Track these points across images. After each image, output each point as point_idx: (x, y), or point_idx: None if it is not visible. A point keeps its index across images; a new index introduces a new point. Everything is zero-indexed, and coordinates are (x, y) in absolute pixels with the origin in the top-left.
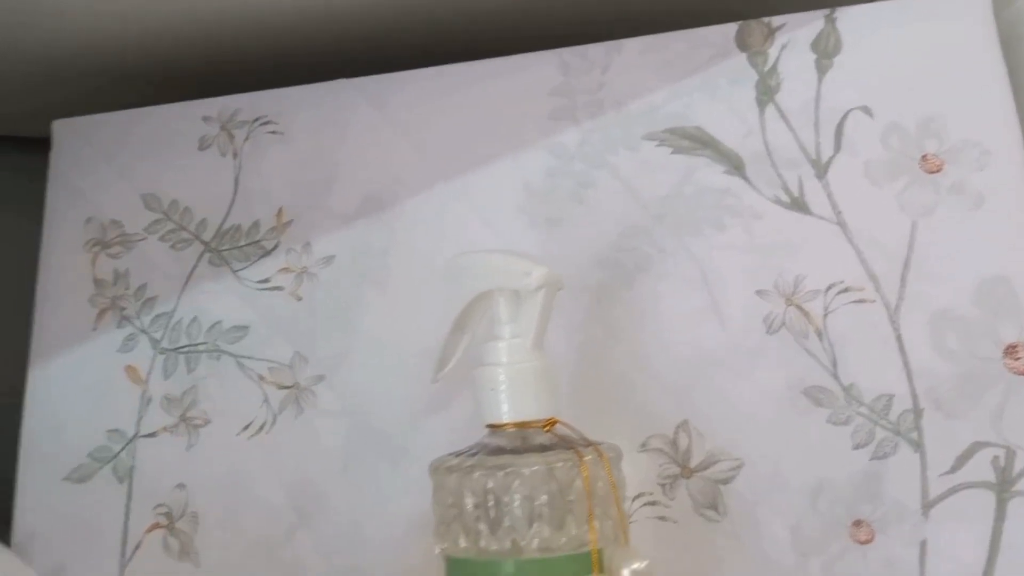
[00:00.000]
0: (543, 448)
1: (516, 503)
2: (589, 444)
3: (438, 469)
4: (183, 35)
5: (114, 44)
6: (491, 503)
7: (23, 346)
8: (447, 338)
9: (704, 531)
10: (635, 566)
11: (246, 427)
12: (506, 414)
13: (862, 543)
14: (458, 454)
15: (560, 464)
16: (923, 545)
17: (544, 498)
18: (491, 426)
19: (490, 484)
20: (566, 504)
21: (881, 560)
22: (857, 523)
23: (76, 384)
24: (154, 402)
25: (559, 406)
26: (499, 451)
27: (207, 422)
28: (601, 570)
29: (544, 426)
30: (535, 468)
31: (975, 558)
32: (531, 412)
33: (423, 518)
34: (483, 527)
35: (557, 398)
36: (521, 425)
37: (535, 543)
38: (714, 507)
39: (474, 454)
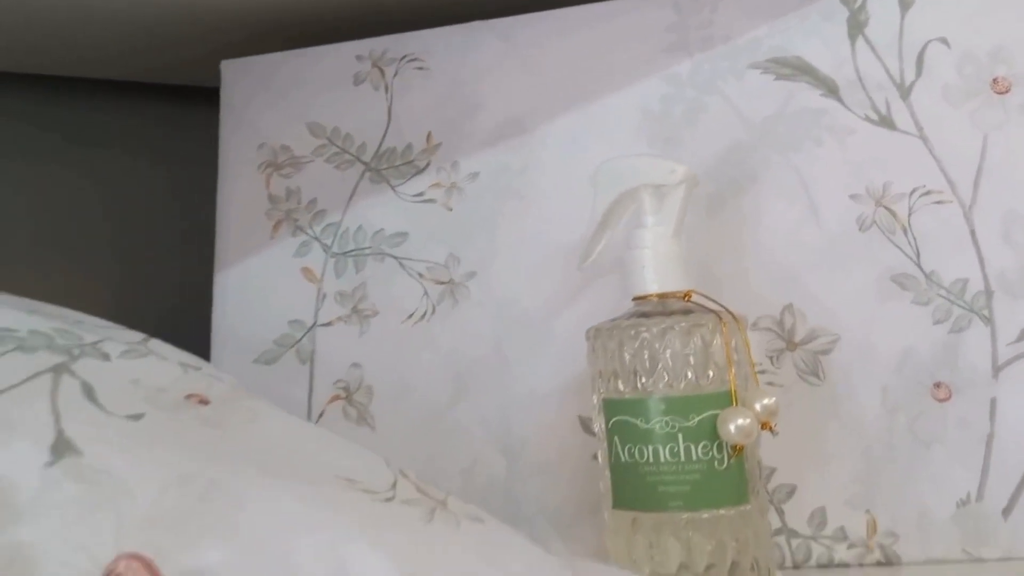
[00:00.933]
0: (686, 311)
1: (668, 353)
2: (723, 309)
3: (599, 331)
4: None
5: None
6: (647, 354)
7: (207, 255)
8: (593, 233)
9: (807, 394)
10: (765, 401)
11: (409, 316)
12: (651, 285)
13: (941, 401)
14: (612, 320)
15: (704, 322)
16: (993, 402)
17: (691, 348)
18: (637, 298)
19: (646, 336)
20: (708, 354)
21: (957, 415)
22: (937, 385)
23: (259, 284)
24: (328, 297)
25: (693, 284)
26: (647, 315)
27: (376, 313)
28: (738, 403)
29: (684, 296)
30: (683, 324)
31: None
32: (672, 284)
33: (563, 385)
34: (640, 373)
35: (693, 276)
36: (663, 296)
37: (682, 384)
38: (815, 374)
39: (628, 318)
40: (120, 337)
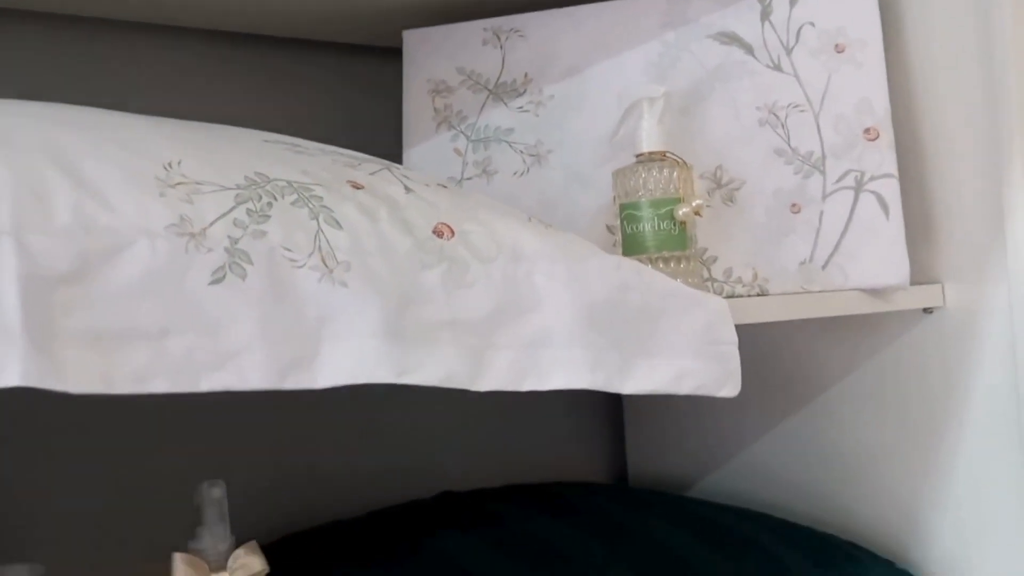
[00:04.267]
0: (662, 159)
1: (651, 178)
2: (682, 160)
3: (618, 171)
4: None
5: None
6: (641, 179)
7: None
8: (618, 124)
9: (726, 211)
10: (697, 201)
11: (514, 173)
12: (644, 146)
13: (795, 213)
14: (624, 166)
15: (672, 164)
16: (821, 213)
17: (664, 175)
18: (638, 154)
19: (641, 170)
20: (672, 179)
21: (803, 219)
22: (793, 204)
23: (429, 157)
24: (468, 165)
25: (666, 148)
26: (642, 161)
27: (496, 172)
28: (683, 200)
29: (662, 154)
30: (659, 163)
31: None
32: (655, 147)
33: (600, 207)
34: (638, 188)
35: (667, 145)
36: (651, 152)
37: (658, 194)
38: (731, 200)
39: (633, 164)
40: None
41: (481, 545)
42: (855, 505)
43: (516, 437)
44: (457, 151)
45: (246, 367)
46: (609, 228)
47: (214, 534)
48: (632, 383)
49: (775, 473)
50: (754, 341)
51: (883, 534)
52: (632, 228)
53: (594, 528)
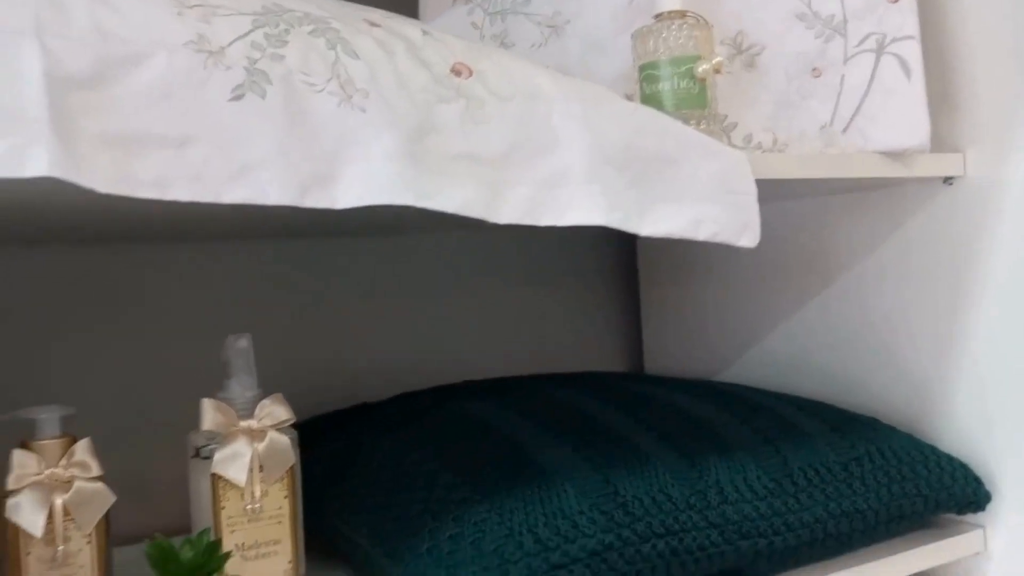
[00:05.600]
0: (682, 16)
1: (672, 35)
2: (702, 17)
3: (638, 31)
4: None
5: None
6: (662, 37)
7: None
8: None
9: (746, 76)
10: (716, 59)
11: (532, 45)
12: (664, 5)
13: (816, 77)
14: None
15: (692, 22)
16: (843, 76)
17: (684, 33)
18: (656, 15)
19: (660, 27)
20: (692, 37)
21: (823, 82)
22: (814, 68)
23: (445, 31)
24: (485, 38)
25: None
26: (662, 19)
27: (513, 45)
28: (702, 58)
29: (682, 13)
30: (679, 21)
31: None
32: (675, 6)
33: (621, 72)
34: (656, 47)
35: (686, 7)
36: (671, 11)
37: (677, 52)
38: (752, 66)
39: (653, 23)
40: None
41: (507, 410)
42: (877, 386)
43: (531, 334)
44: (474, 24)
45: (266, 181)
46: (628, 97)
47: (241, 383)
48: (649, 225)
49: (796, 359)
50: (771, 223)
51: (905, 413)
52: (651, 88)
53: (617, 400)
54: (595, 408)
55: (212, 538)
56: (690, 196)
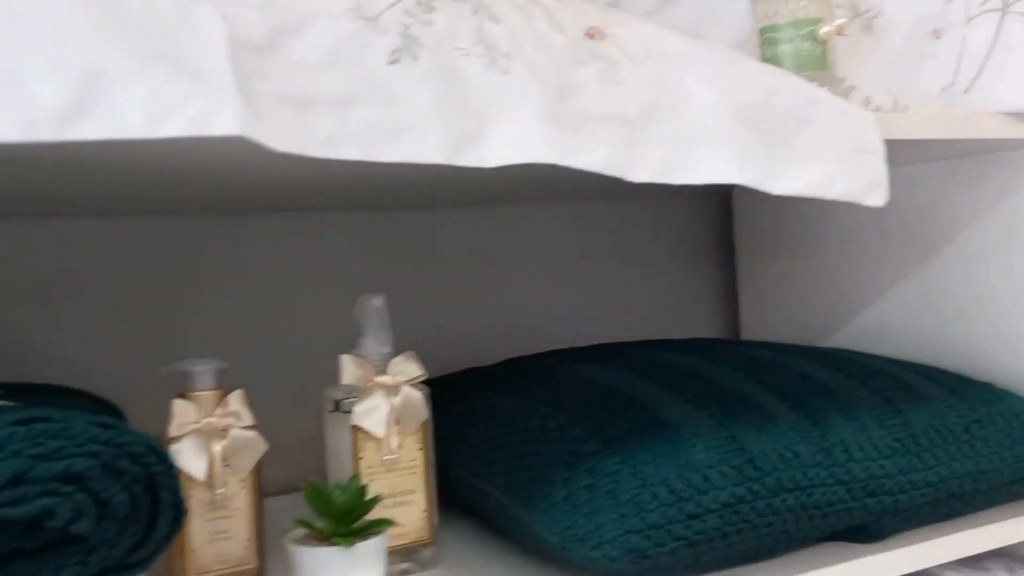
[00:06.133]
0: None
1: None
2: None
3: None
4: None
5: None
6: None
7: None
8: None
9: (866, 38)
10: (839, 21)
11: (645, 12)
12: None
13: (936, 38)
14: None
15: None
16: (964, 37)
17: None
18: None
19: None
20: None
21: (943, 46)
22: (935, 30)
23: None
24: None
25: None
26: None
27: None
28: (823, 20)
29: None
30: None
31: None
32: None
33: (742, 39)
34: (781, 7)
35: None
36: None
37: (800, 12)
38: (869, 28)
39: None
40: None
41: (623, 371)
42: (984, 357)
43: (628, 306)
44: None
45: (422, 141)
46: None
47: (377, 340)
48: (781, 184)
49: (900, 329)
50: None
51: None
52: (771, 52)
53: (731, 362)
54: (711, 370)
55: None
56: (820, 155)
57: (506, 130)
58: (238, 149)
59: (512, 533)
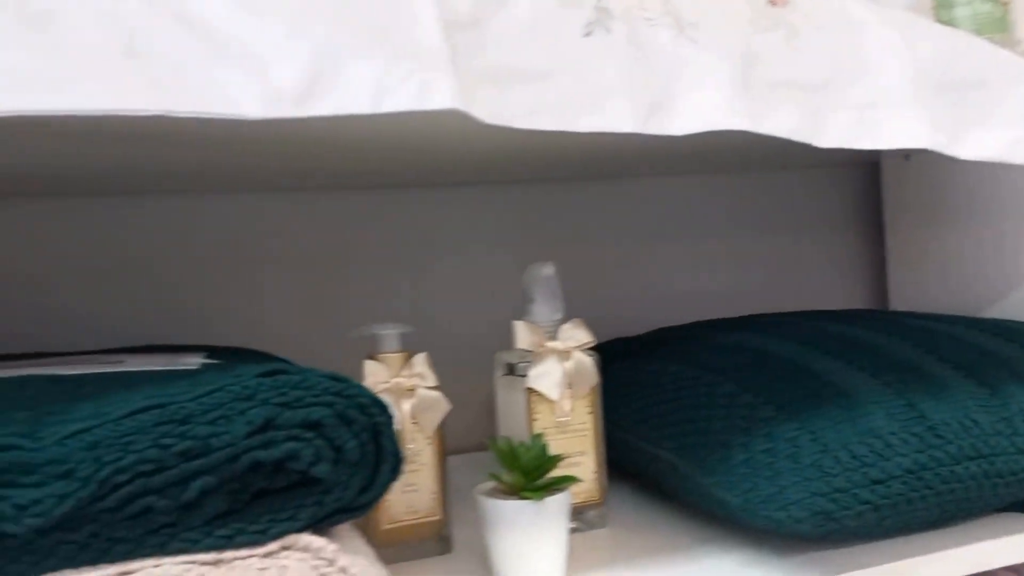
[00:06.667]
0: None
1: None
2: None
3: None
4: None
5: None
6: None
7: None
8: None
9: None
10: None
11: None
12: None
13: None
14: None
15: None
16: None
17: None
18: None
19: None
20: None
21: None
22: None
23: None
24: None
25: None
26: None
27: None
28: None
29: None
30: None
31: None
32: None
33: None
34: None
35: None
36: None
37: None
38: None
39: None
40: None
41: (786, 340)
42: None
43: (775, 278)
44: None
45: (613, 110)
46: None
47: (548, 307)
48: (969, 149)
49: None
50: None
51: None
52: (947, 15)
53: (900, 332)
54: (876, 339)
55: None
56: (1006, 118)
57: (695, 98)
58: (442, 123)
59: (684, 495)
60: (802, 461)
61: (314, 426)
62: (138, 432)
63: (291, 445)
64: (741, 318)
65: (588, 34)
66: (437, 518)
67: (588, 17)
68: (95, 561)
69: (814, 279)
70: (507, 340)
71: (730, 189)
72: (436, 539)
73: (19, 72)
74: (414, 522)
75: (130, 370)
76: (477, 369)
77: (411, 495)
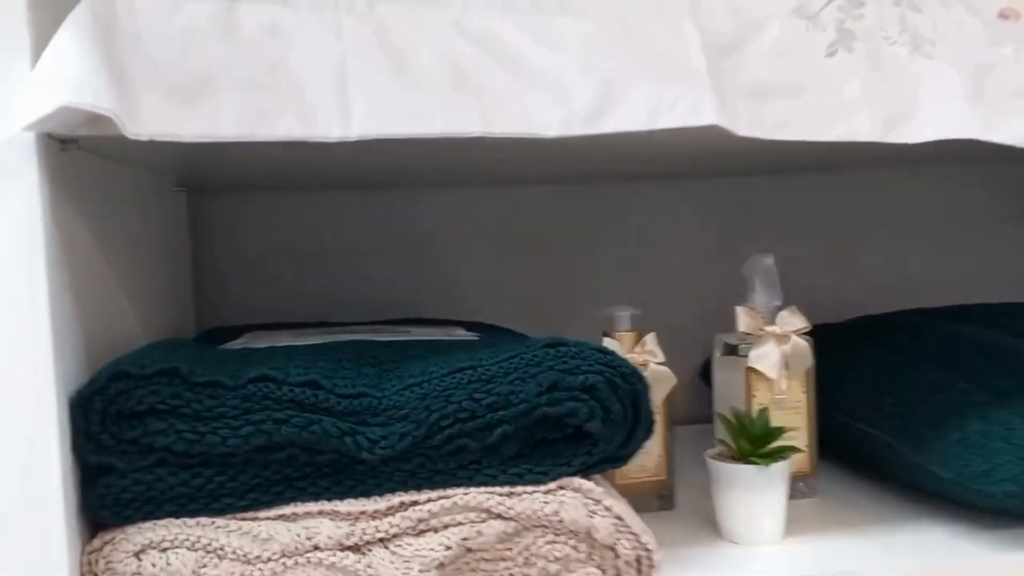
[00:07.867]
0: None
1: None
2: None
3: None
4: None
5: None
6: None
7: None
8: None
9: None
10: None
11: None
12: None
13: None
14: None
15: None
16: None
17: None
18: None
19: None
20: None
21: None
22: None
23: None
24: None
25: None
26: None
27: None
28: None
29: None
30: None
31: None
32: None
33: None
34: None
35: None
36: None
37: None
38: None
39: None
40: None
41: (993, 329)
42: None
43: (972, 269)
44: None
45: (857, 122)
46: None
47: (767, 293)
48: None
49: None
50: None
51: None
52: None
53: None
54: None
55: None
56: None
57: (931, 110)
58: (689, 132)
59: (895, 471)
60: (1016, 442)
61: (589, 389)
62: (456, 387)
63: (572, 404)
64: (948, 307)
65: (832, 54)
66: (662, 478)
67: (831, 38)
68: (420, 487)
69: (1006, 276)
70: (710, 324)
71: (913, 183)
72: (659, 497)
73: (386, 106)
74: (642, 479)
75: (432, 338)
76: (682, 349)
77: (642, 456)
